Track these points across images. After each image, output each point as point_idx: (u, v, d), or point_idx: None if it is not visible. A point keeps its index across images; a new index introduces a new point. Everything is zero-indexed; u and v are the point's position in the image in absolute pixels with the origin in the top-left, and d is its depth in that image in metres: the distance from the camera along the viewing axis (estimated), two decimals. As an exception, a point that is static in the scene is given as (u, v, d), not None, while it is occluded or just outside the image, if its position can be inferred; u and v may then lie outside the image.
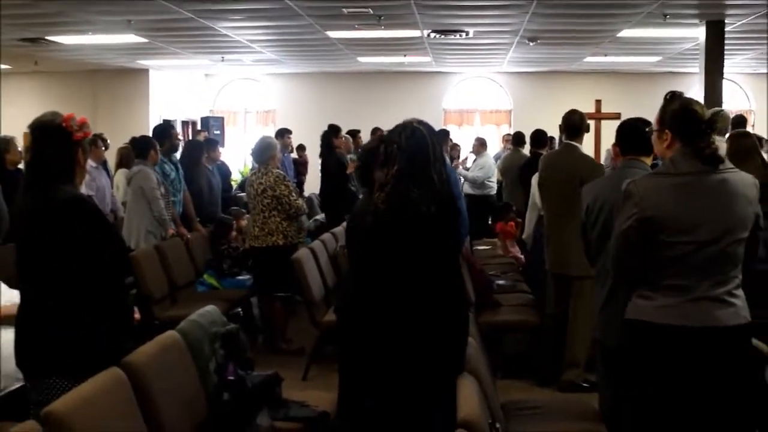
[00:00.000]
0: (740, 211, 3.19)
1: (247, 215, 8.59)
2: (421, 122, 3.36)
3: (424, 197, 3.14)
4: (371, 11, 9.73)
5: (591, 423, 3.90)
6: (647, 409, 3.32)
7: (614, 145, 4.29)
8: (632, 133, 4.09)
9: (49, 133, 3.27)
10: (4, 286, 4.65)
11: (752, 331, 3.27)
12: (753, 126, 15.28)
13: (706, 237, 3.15)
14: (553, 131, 8.66)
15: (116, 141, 10.40)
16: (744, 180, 3.24)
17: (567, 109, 6.12)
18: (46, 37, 11.49)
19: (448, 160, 4.90)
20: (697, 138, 3.22)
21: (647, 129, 3.93)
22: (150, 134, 7.93)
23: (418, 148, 3.22)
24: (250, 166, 11.82)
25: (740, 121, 7.86)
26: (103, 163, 9.20)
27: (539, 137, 8.51)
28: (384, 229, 3.20)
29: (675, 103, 3.34)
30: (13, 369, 3.40)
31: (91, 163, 7.40)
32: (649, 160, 4.12)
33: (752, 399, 3.26)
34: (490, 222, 11.99)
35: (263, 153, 6.88)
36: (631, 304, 3.34)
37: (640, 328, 3.29)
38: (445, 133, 10.38)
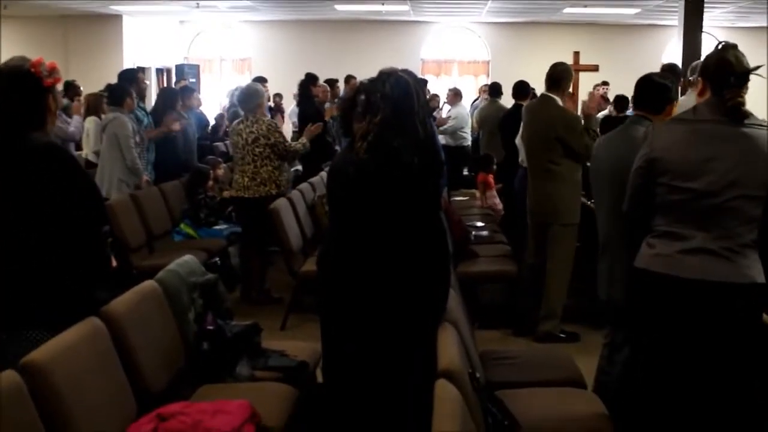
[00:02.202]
0: (753, 166, 3.07)
1: (224, 164, 8.54)
2: (405, 70, 3.31)
3: (407, 147, 3.10)
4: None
5: (568, 372, 3.93)
6: (643, 359, 3.33)
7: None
8: (646, 88, 3.98)
9: (18, 80, 3.15)
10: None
11: (761, 292, 3.10)
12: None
13: (707, 187, 3.08)
14: (532, 82, 8.65)
15: (89, 88, 10.25)
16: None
17: (545, 61, 6.13)
18: (16, -19, 11.27)
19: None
20: (725, 89, 3.13)
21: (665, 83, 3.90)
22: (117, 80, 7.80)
23: (403, 97, 3.16)
24: (225, 115, 11.68)
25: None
26: (64, 110, 9.01)
27: (522, 88, 8.48)
28: (366, 179, 3.16)
29: (714, 53, 3.26)
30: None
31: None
32: (658, 119, 3.93)
33: (750, 355, 3.16)
34: (465, 172, 12.03)
35: (250, 100, 6.67)
36: (639, 253, 3.31)
37: (639, 276, 3.27)
38: (423, 82, 10.31)
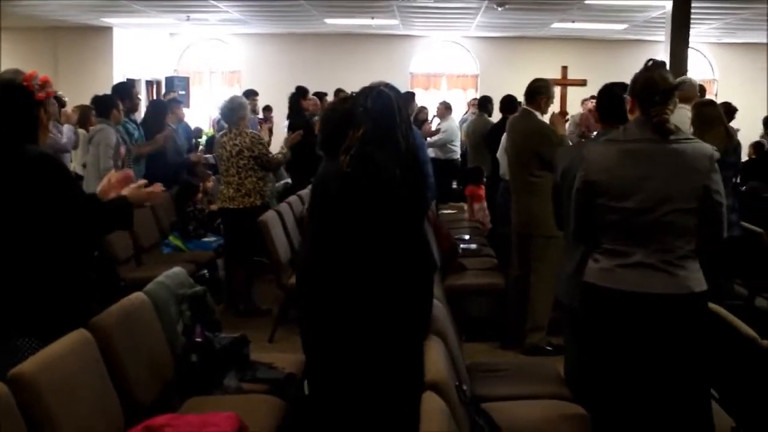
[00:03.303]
0: (683, 181, 3.19)
1: (213, 177, 8.55)
2: (387, 85, 3.35)
3: (389, 161, 3.14)
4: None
5: (555, 385, 3.96)
6: (599, 371, 3.42)
7: (591, 110, 4.28)
8: (609, 100, 4.04)
9: (10, 93, 3.16)
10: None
11: (699, 302, 3.25)
12: (716, 95, 15.43)
13: (641, 204, 3.20)
14: (520, 97, 8.68)
15: (79, 100, 10.23)
16: (696, 150, 3.22)
17: (534, 75, 6.21)
18: (7, -8, 11.26)
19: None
20: (650, 106, 3.25)
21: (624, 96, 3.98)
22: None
23: (384, 111, 3.21)
24: (214, 127, 11.71)
25: (700, 91, 7.93)
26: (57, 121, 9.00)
27: (509, 102, 8.54)
28: (349, 193, 3.19)
29: (641, 72, 3.38)
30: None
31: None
32: None
33: (698, 364, 3.29)
34: (454, 186, 12.05)
35: (234, 113, 6.75)
36: (587, 267, 3.43)
37: (586, 289, 3.40)
38: (410, 96, 10.33)
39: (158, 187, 3.54)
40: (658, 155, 3.22)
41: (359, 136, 3.21)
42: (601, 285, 3.32)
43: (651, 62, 3.41)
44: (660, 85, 3.28)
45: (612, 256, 3.30)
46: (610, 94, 4.05)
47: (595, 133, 8.01)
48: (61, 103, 9.76)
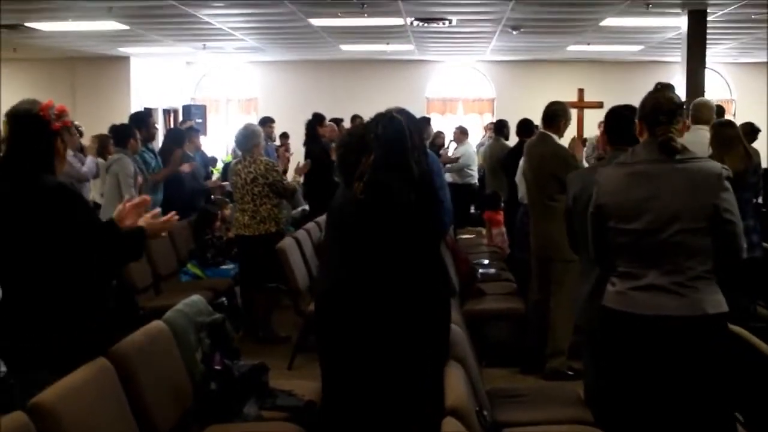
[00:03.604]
0: (690, 200, 3.17)
1: (231, 204, 8.57)
2: (400, 111, 3.36)
3: (403, 186, 3.14)
4: (354, -1, 9.71)
5: (576, 409, 3.92)
6: (619, 395, 3.39)
7: (602, 133, 4.28)
8: (617, 123, 4.05)
9: (27, 123, 3.17)
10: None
11: (716, 324, 3.21)
12: (734, 115, 15.37)
13: (649, 226, 3.19)
14: (537, 120, 8.68)
15: (97, 130, 10.26)
16: (704, 169, 3.21)
17: (550, 98, 6.19)
18: (26, 24, 11.37)
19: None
20: (656, 127, 3.26)
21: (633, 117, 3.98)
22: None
23: (395, 137, 3.23)
24: (231, 154, 11.76)
25: (719, 111, 7.90)
26: (80, 150, 9.09)
27: (525, 126, 8.53)
28: (364, 219, 3.20)
29: (649, 95, 3.38)
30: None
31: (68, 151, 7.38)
32: None
33: (719, 387, 3.25)
34: (472, 210, 12.04)
35: (248, 141, 6.82)
36: (605, 291, 3.42)
37: (603, 313, 3.39)
38: (425, 121, 10.37)
39: (173, 216, 3.53)
40: (664, 175, 3.22)
41: (371, 163, 3.22)
42: (616, 308, 3.31)
43: (659, 85, 3.42)
44: (665, 106, 3.29)
45: (626, 279, 3.30)
46: (617, 116, 4.06)
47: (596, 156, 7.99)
48: (79, 134, 9.83)
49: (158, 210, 3.55)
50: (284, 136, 13.13)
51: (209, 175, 10.61)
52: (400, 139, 3.22)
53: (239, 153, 7.18)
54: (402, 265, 3.16)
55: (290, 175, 7.86)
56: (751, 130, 7.51)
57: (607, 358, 3.44)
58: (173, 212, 3.57)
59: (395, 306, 3.16)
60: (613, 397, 3.46)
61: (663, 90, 3.38)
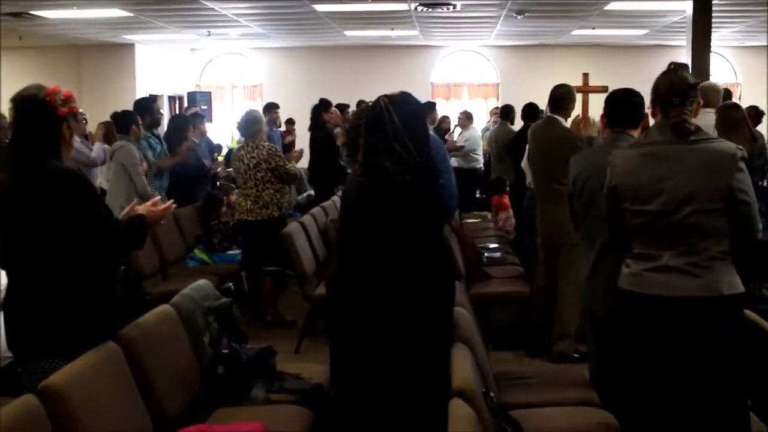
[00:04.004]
0: (705, 181, 3.16)
1: (237, 189, 8.59)
2: (404, 95, 3.36)
3: (396, 168, 3.16)
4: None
5: (583, 391, 3.94)
6: (630, 377, 3.39)
7: (602, 116, 4.28)
8: (619, 105, 4.03)
9: (33, 108, 3.14)
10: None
11: (731, 305, 3.20)
12: (739, 99, 15.31)
13: (663, 207, 3.19)
14: (541, 105, 8.67)
15: (102, 117, 10.29)
16: (719, 150, 3.19)
17: (555, 83, 6.17)
18: (31, 12, 11.37)
19: (432, 132, 4.88)
20: (669, 108, 3.25)
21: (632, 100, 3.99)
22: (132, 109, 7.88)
23: (375, 124, 3.25)
24: (237, 140, 11.74)
25: (725, 95, 7.88)
26: (85, 137, 9.11)
27: (531, 110, 8.52)
28: (364, 200, 3.24)
29: (662, 75, 3.37)
30: (3, 348, 3.34)
31: (76, 138, 7.40)
32: (636, 133, 4.06)
33: (732, 368, 3.24)
34: (478, 195, 12.03)
35: (249, 127, 6.88)
36: (620, 273, 3.41)
37: (618, 295, 3.39)
38: (431, 106, 10.37)
39: (172, 204, 3.53)
40: (677, 156, 3.21)
41: (366, 146, 3.27)
42: (630, 290, 3.31)
43: (672, 65, 3.40)
44: (678, 87, 3.27)
45: (641, 261, 3.30)
46: (616, 100, 4.04)
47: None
48: (85, 119, 9.83)
49: (158, 198, 3.55)
50: (290, 122, 13.16)
51: (215, 160, 10.62)
52: (380, 125, 3.23)
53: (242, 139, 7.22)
54: (401, 248, 3.17)
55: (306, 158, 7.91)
56: (756, 113, 7.50)
57: (619, 339, 3.43)
58: (171, 200, 3.58)
59: (395, 289, 3.16)
60: (625, 379, 3.45)
61: (677, 70, 3.35)
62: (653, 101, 3.38)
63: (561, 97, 5.89)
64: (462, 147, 11.75)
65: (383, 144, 3.20)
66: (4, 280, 3.31)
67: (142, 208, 3.38)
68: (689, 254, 3.18)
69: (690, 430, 3.26)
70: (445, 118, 12.41)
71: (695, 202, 3.16)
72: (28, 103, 3.17)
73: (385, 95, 3.33)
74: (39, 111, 3.14)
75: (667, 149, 3.24)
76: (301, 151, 8.01)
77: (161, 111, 8.69)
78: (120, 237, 3.27)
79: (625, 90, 4.05)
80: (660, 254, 3.23)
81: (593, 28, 14.06)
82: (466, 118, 12.32)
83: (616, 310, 3.42)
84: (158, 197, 3.55)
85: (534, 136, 6.10)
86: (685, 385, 3.23)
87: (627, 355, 3.39)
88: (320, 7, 11.60)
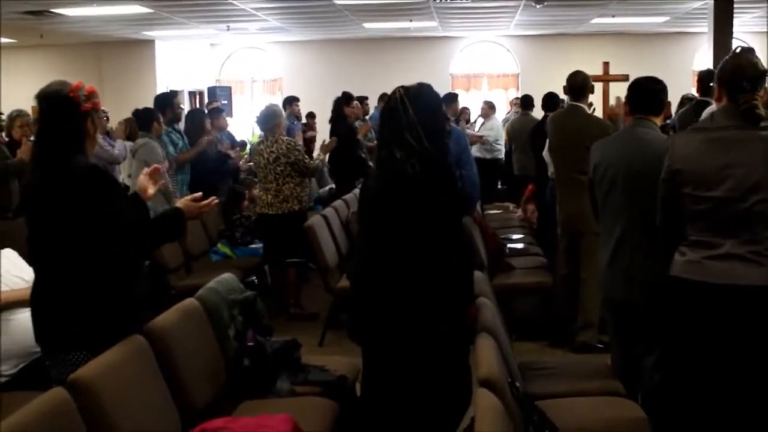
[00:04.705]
0: None
1: (259, 184, 8.63)
2: (423, 86, 3.37)
3: (408, 159, 3.17)
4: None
5: (607, 381, 3.93)
6: (678, 367, 3.34)
7: (624, 103, 4.26)
8: (642, 92, 4.01)
9: (57, 104, 3.16)
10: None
11: None
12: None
13: (729, 193, 3.11)
14: (562, 94, 8.63)
15: (124, 114, 10.36)
16: None
17: (575, 72, 6.13)
18: (51, 10, 11.44)
19: (454, 122, 4.89)
20: (738, 94, 3.17)
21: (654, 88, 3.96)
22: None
23: (389, 115, 3.29)
24: (258, 134, 11.78)
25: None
26: (107, 133, 9.17)
27: (551, 100, 8.48)
28: (379, 192, 3.27)
29: (729, 58, 3.30)
30: (31, 342, 3.36)
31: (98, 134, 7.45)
32: (658, 120, 4.07)
33: None
34: (499, 186, 12.02)
35: (269, 121, 6.92)
36: (673, 261, 3.34)
37: (673, 284, 3.30)
38: (452, 97, 10.33)
39: (213, 200, 3.56)
40: (745, 143, 3.13)
41: (380, 137, 3.37)
42: (689, 278, 3.22)
43: (739, 48, 3.35)
44: (748, 71, 3.20)
45: (700, 248, 3.21)
46: (639, 88, 4.02)
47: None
48: (107, 117, 9.90)
49: (200, 194, 3.57)
50: (311, 115, 13.17)
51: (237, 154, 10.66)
52: (394, 116, 3.26)
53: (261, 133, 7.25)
54: (414, 236, 3.17)
55: (315, 153, 7.91)
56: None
57: (677, 329, 3.34)
58: (213, 197, 3.60)
59: (409, 277, 3.17)
60: (681, 368, 3.37)
61: (744, 53, 3.29)
62: (718, 84, 3.29)
63: (582, 85, 5.85)
64: (480, 137, 11.73)
65: (396, 135, 3.22)
66: (32, 274, 3.34)
67: (180, 202, 3.43)
68: (753, 243, 3.11)
69: (739, 424, 3.19)
70: (466, 110, 12.39)
71: (763, 191, 3.08)
72: (52, 99, 3.19)
73: (402, 87, 3.35)
74: (63, 107, 3.16)
75: (734, 135, 3.16)
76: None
77: (182, 106, 8.72)
78: (152, 230, 3.32)
79: (648, 78, 4.05)
80: (721, 242, 3.15)
81: (613, 16, 13.96)
82: (489, 108, 12.30)
83: (672, 298, 3.33)
84: (199, 194, 3.57)
85: (557, 125, 6.03)
86: (742, 375, 3.15)
87: (686, 342, 3.29)
88: (339, 0, 11.60)
